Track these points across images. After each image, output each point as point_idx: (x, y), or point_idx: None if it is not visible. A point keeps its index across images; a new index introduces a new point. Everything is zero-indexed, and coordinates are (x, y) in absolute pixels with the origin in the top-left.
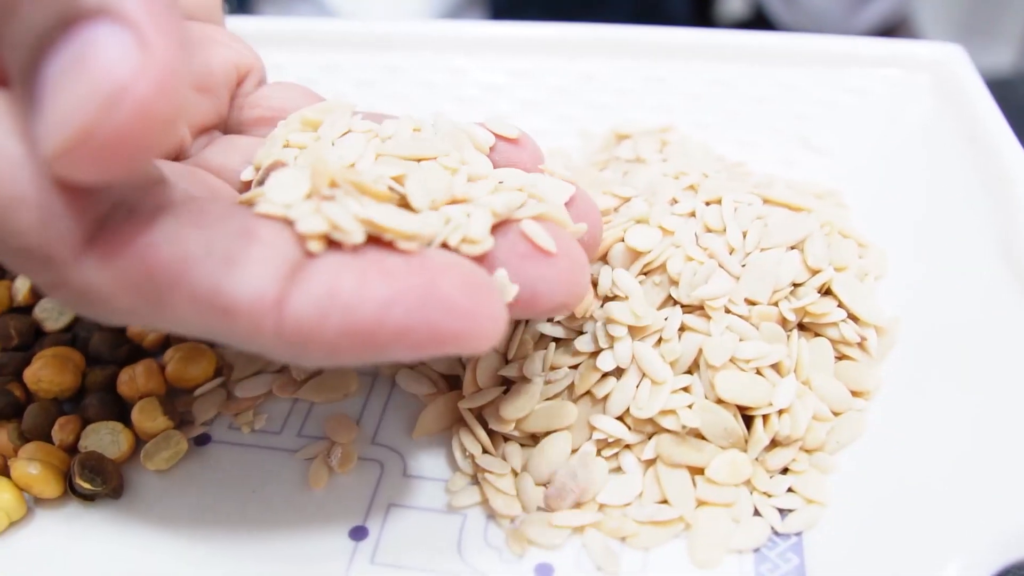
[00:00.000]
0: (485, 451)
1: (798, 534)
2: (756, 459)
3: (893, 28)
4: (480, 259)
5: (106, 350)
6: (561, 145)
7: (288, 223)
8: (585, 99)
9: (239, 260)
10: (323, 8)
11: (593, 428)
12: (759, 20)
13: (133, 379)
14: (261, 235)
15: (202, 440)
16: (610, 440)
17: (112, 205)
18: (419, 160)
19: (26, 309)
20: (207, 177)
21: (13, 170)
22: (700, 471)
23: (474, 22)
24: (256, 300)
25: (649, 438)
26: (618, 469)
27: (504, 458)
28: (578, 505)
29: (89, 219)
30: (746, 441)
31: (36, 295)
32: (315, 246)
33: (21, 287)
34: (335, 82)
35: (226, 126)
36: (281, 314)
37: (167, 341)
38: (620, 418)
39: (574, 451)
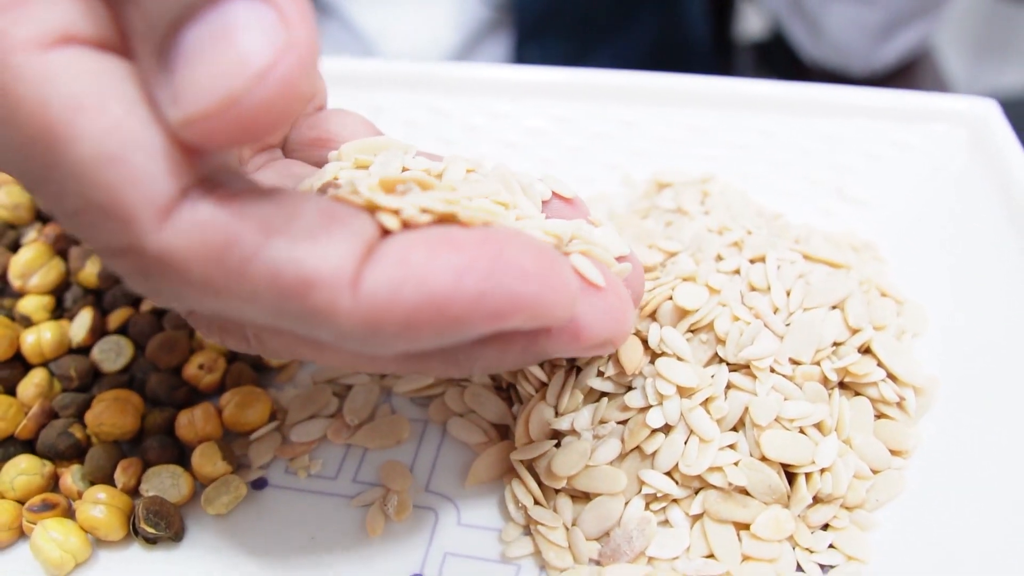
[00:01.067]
0: (537, 503)
1: None
2: (799, 515)
3: (916, 60)
4: None
5: (164, 392)
6: (603, 191)
7: (364, 208)
8: (627, 146)
9: (319, 236)
10: (352, 30)
11: (642, 483)
12: (778, 43)
13: (192, 423)
14: (339, 216)
15: (259, 484)
16: (659, 495)
17: (201, 177)
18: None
19: (84, 350)
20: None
21: (127, 121)
22: (746, 527)
23: (519, 67)
24: (334, 274)
25: (696, 493)
26: (666, 523)
27: (556, 510)
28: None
29: (180, 184)
30: (789, 498)
31: (94, 335)
32: (391, 221)
33: (79, 331)
34: (377, 122)
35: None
36: (358, 289)
37: (223, 385)
38: (668, 473)
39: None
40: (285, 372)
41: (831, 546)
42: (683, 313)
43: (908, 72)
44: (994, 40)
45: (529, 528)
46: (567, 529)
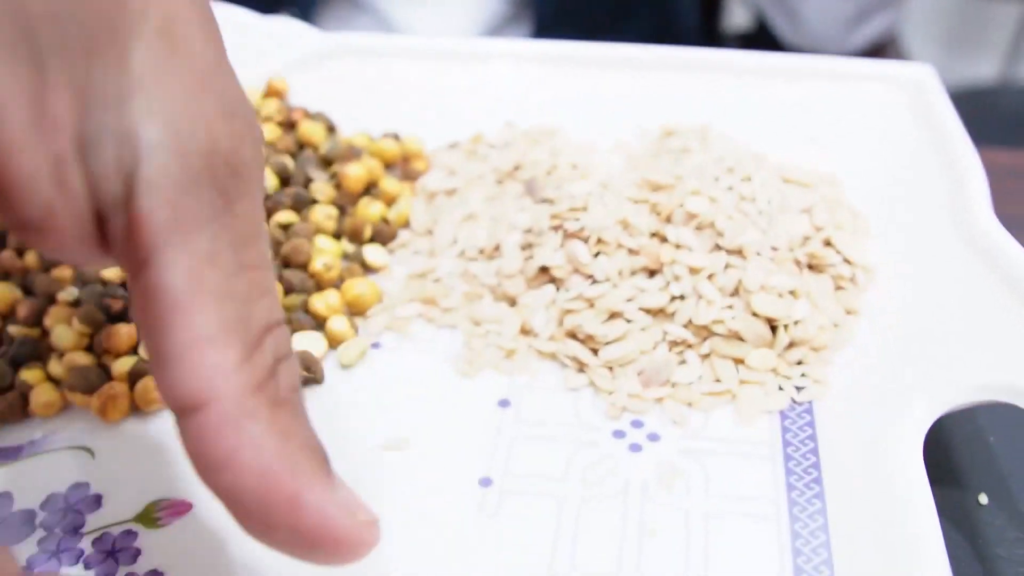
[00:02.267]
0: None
1: (809, 402)
2: (779, 355)
3: (884, 45)
4: None
5: (298, 283)
6: (621, 139)
7: None
8: (640, 106)
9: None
10: (383, 20)
11: (666, 333)
12: (762, 32)
13: (326, 301)
14: None
15: (375, 345)
16: (678, 341)
17: None
18: None
19: None
20: None
21: None
22: (742, 361)
23: (543, 41)
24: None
25: (704, 340)
26: (683, 361)
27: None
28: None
29: None
30: (772, 342)
31: None
32: None
33: None
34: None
35: None
36: None
37: (341, 279)
38: (685, 327)
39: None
40: (384, 271)
41: (803, 375)
42: (691, 217)
43: (878, 56)
44: (965, 34)
45: (583, 369)
46: (611, 370)
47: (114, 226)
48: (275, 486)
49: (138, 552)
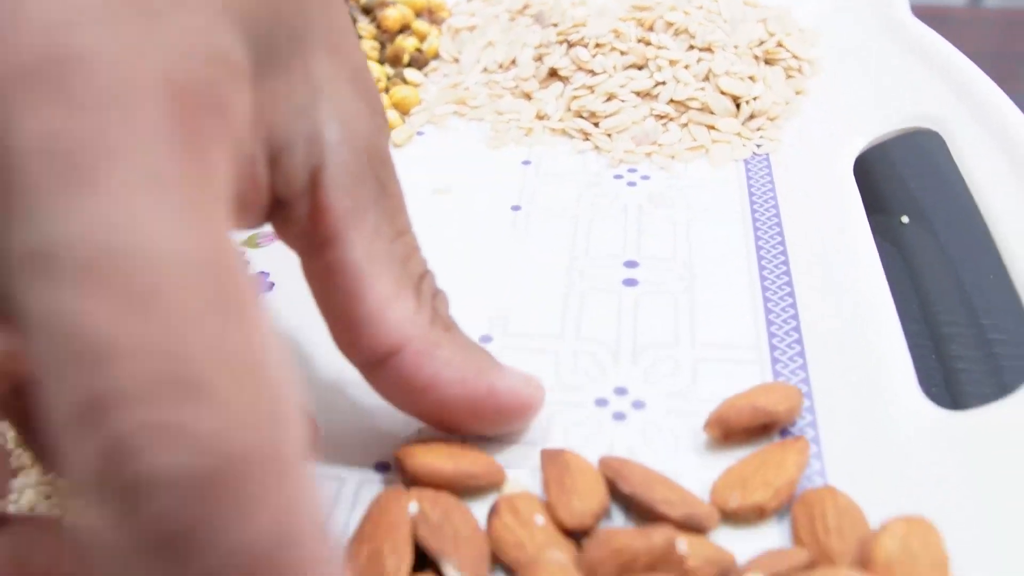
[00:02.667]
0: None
1: (767, 155)
2: (743, 123)
3: None
4: None
5: None
6: None
7: None
8: None
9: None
10: None
11: (652, 108)
12: None
13: None
14: None
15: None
16: (662, 115)
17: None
18: None
19: None
20: None
21: None
22: (713, 127)
23: None
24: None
25: (682, 114)
26: (666, 130)
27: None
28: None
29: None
30: (737, 113)
31: None
32: None
33: None
34: None
35: None
36: None
37: None
38: (667, 104)
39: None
40: (421, 87)
41: (761, 137)
42: (669, 25)
43: None
44: None
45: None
46: (610, 136)
47: (297, 211)
48: (474, 386)
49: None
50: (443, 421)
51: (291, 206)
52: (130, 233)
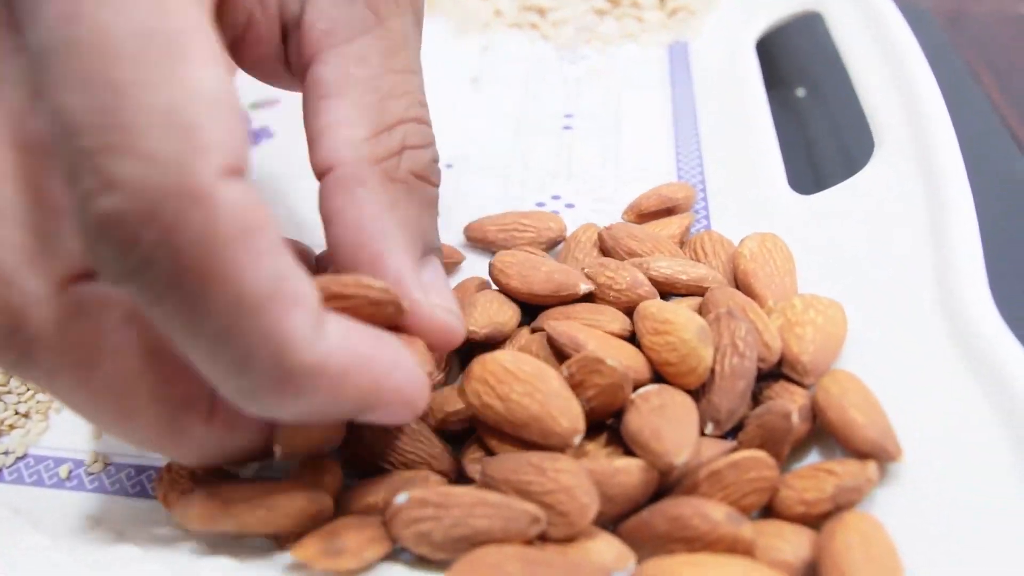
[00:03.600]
0: None
1: (686, 43)
2: (668, 15)
3: None
4: None
5: None
6: None
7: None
8: None
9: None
10: None
11: (592, 3)
12: None
13: None
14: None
15: None
16: (600, 9)
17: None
18: None
19: None
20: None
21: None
22: (641, 19)
23: None
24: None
25: (616, 7)
26: (603, 20)
27: None
28: None
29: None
30: (662, 7)
31: None
32: None
33: None
34: None
35: None
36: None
37: None
38: (603, 4)
39: None
40: None
41: (682, 26)
42: None
43: None
44: None
45: None
46: (555, 26)
47: (292, 42)
48: (363, 242)
49: None
50: (334, 269)
51: (289, 36)
52: (92, 20)
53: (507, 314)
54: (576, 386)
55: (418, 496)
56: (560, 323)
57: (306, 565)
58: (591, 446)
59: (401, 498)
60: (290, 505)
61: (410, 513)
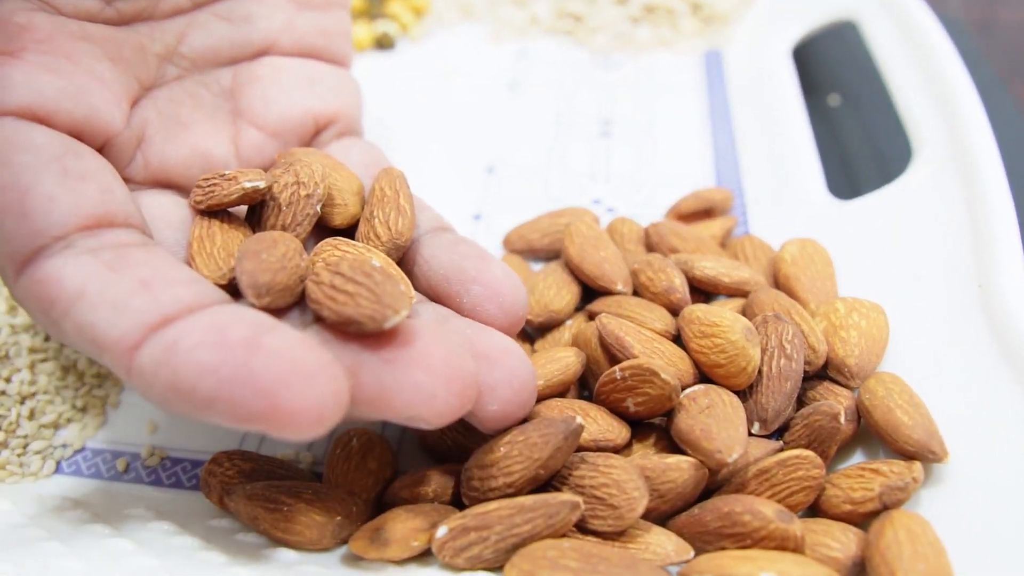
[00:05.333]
0: None
1: (719, 50)
2: (702, 23)
3: None
4: None
5: None
6: None
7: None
8: None
9: (120, 306)
10: None
11: (627, 11)
12: None
13: None
14: (154, 288)
15: None
16: (635, 16)
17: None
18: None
19: None
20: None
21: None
22: (676, 27)
23: None
24: (117, 343)
25: (651, 14)
26: (638, 27)
27: None
28: None
29: (30, 248)
30: (696, 16)
31: None
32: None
33: None
34: None
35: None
36: (131, 360)
37: None
38: (639, 8)
39: None
40: None
41: (715, 34)
42: None
43: None
44: None
45: None
46: (594, 32)
47: None
48: None
49: None
50: None
51: None
52: None
53: (564, 299)
54: (625, 389)
55: (456, 525)
56: (611, 321)
57: (360, 556)
58: (639, 446)
59: (441, 532)
60: (319, 521)
61: (454, 543)
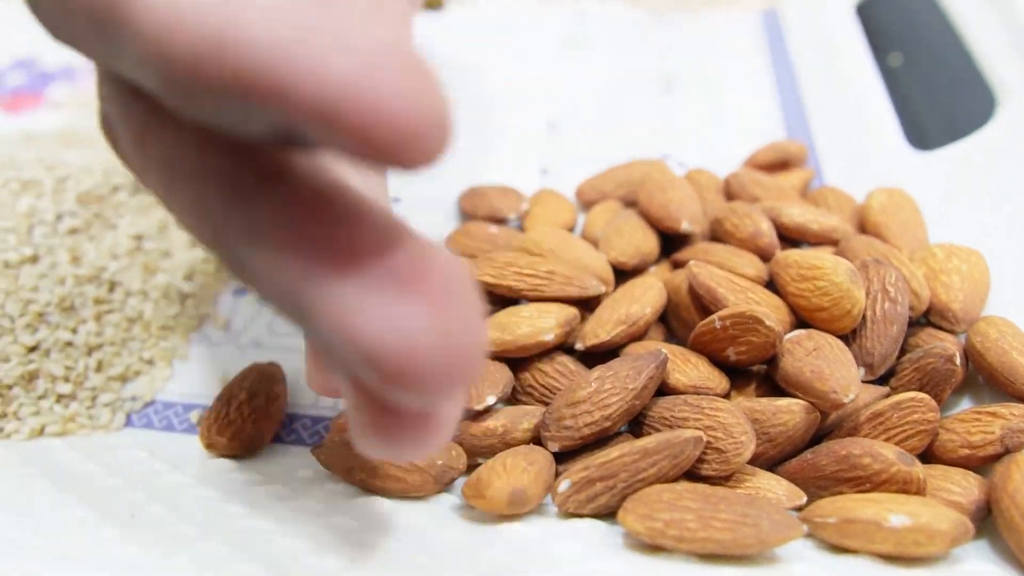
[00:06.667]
0: None
1: (776, 9)
2: None
3: None
4: None
5: None
6: None
7: None
8: None
9: None
10: None
11: None
12: None
13: None
14: None
15: None
16: None
17: None
18: None
19: None
20: None
21: None
22: None
23: None
24: None
25: None
26: None
27: None
28: None
29: None
30: None
31: None
32: None
33: None
34: None
35: None
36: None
37: None
38: None
39: None
40: None
41: None
42: None
43: None
44: None
45: None
46: None
47: None
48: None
49: None
50: None
51: None
52: None
53: (651, 244)
54: (726, 339)
55: (580, 478)
56: (702, 270)
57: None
58: (736, 395)
59: (564, 486)
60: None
61: (578, 496)
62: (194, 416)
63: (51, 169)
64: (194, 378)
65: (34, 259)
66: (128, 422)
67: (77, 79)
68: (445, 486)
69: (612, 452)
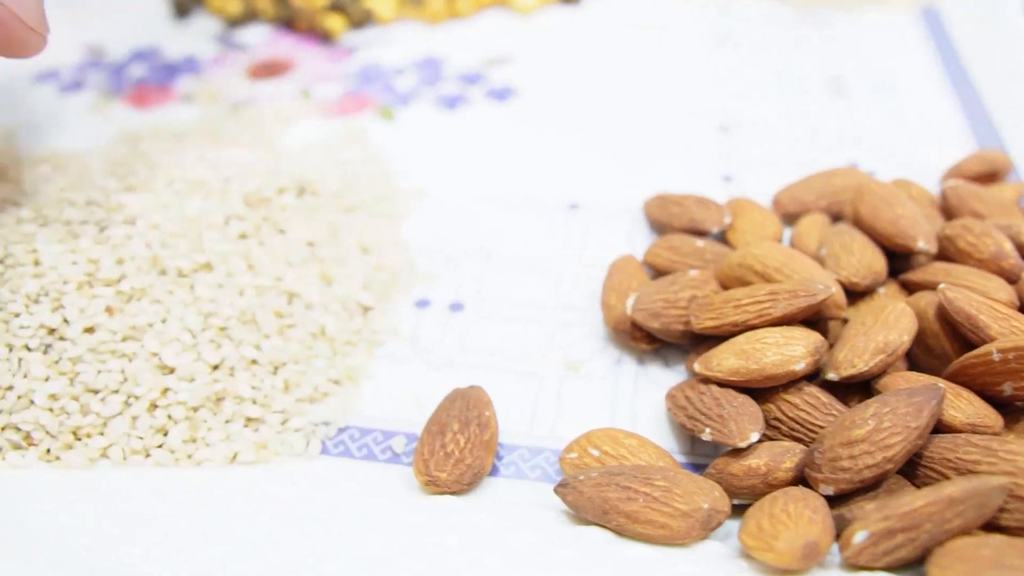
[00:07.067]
0: None
1: (938, 9)
2: None
3: None
4: None
5: None
6: None
7: None
8: None
9: None
10: None
11: None
12: None
13: None
14: None
15: None
16: None
17: None
18: None
19: None
20: None
21: None
22: None
23: None
24: None
25: None
26: None
27: None
28: None
29: None
30: None
31: None
32: None
33: None
34: None
35: None
36: None
37: None
38: None
39: None
40: None
41: None
42: None
43: None
44: None
45: None
46: None
47: None
48: None
49: None
50: None
51: None
52: None
53: (881, 262)
54: (1004, 372)
55: (880, 529)
56: (958, 295)
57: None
58: (1010, 433)
59: (859, 537)
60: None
61: (875, 548)
62: (397, 444)
63: (214, 168)
64: (385, 401)
65: (208, 267)
66: (323, 450)
67: (202, 70)
68: (710, 531)
69: (916, 501)
